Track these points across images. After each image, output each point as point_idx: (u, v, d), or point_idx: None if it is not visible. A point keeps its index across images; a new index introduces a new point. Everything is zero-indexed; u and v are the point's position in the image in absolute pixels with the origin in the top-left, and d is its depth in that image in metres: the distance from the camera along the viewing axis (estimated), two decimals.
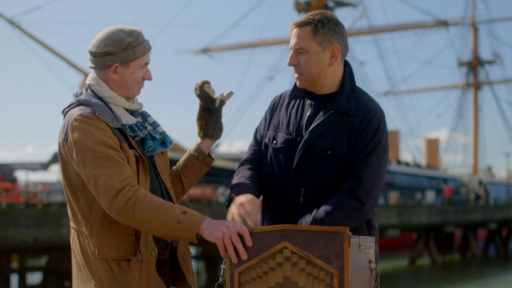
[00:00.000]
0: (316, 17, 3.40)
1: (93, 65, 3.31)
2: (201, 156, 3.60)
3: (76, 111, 3.18)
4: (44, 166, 40.11)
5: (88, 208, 3.17)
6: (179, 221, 2.96)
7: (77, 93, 3.30)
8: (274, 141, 3.48)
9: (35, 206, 22.30)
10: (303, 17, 3.43)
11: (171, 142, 3.41)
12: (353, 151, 3.33)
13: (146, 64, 3.31)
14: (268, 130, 3.56)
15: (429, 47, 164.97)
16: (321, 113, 3.39)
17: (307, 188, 3.34)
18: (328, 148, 3.33)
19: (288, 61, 3.43)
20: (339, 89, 3.44)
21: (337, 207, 3.24)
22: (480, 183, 59.83)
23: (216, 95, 3.58)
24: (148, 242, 3.18)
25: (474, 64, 76.11)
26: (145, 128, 3.32)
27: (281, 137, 3.47)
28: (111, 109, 3.25)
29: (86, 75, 36.73)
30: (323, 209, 3.25)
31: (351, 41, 56.73)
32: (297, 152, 3.37)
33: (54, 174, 38.31)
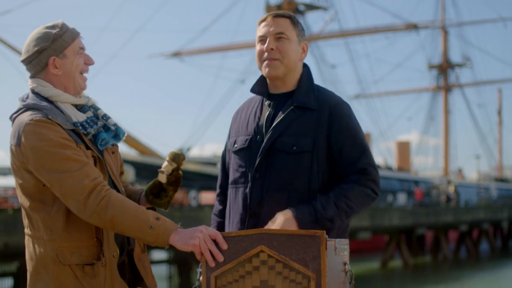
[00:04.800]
0: (291, 13, 3.50)
1: (32, 72, 3.24)
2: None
3: (26, 116, 3.11)
4: None
5: (46, 213, 3.10)
6: (151, 227, 2.96)
7: (23, 97, 3.23)
8: (235, 145, 3.51)
9: (6, 211, 22.08)
10: (277, 11, 3.48)
11: (124, 134, 3.34)
12: (342, 147, 3.37)
13: (82, 48, 3.26)
14: (230, 139, 3.59)
15: (399, 50, 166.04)
16: (281, 110, 3.42)
17: (271, 185, 3.35)
18: (293, 144, 3.35)
19: (265, 46, 3.43)
20: (297, 86, 3.48)
21: (359, 194, 3.34)
22: (449, 182, 60.19)
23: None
24: (110, 244, 3.15)
25: (445, 67, 76.52)
26: (96, 123, 3.25)
27: (240, 140, 3.50)
28: (59, 109, 3.18)
29: None
30: (344, 193, 3.31)
31: (322, 44, 57.00)
32: (260, 151, 3.38)
33: None
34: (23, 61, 3.22)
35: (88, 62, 3.29)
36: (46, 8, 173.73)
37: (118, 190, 3.29)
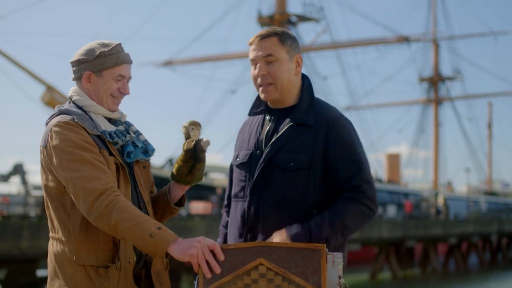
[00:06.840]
0: (278, 30, 3.46)
1: (72, 76, 3.37)
2: (165, 197, 3.50)
3: (56, 119, 3.21)
4: (4, 178, 39.56)
5: (65, 214, 3.17)
6: (151, 235, 2.95)
7: (60, 106, 3.33)
8: (237, 159, 3.53)
9: None
10: (264, 30, 3.45)
11: (153, 150, 3.42)
12: (338, 163, 3.35)
13: (122, 76, 3.33)
14: (235, 152, 3.61)
15: (390, 63, 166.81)
16: (281, 126, 3.42)
17: (268, 201, 3.35)
18: (290, 160, 3.34)
19: (256, 72, 3.42)
20: (297, 101, 3.46)
21: (354, 212, 3.31)
22: (438, 194, 60.31)
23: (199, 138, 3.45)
24: (127, 249, 3.17)
25: (435, 80, 76.70)
26: (125, 136, 3.32)
27: (242, 154, 3.51)
28: (91, 118, 3.27)
29: (48, 86, 36.49)
30: (339, 212, 3.29)
31: (313, 56, 57.04)
32: (258, 166, 3.39)
33: (14, 186, 37.86)
34: (70, 63, 3.36)
35: (123, 91, 3.35)
36: (39, 15, 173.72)
37: (144, 202, 3.34)
